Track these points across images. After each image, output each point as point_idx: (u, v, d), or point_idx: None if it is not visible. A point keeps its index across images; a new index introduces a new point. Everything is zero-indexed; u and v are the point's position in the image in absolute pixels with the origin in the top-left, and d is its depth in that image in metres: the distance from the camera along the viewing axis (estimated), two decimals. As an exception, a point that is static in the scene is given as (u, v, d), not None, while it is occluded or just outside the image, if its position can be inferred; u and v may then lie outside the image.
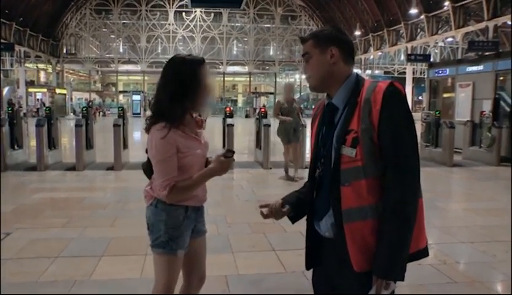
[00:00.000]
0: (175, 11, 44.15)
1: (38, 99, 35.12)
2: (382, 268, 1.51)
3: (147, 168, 2.25)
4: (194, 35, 44.68)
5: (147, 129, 2.11)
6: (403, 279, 1.54)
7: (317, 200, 1.71)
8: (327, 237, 1.69)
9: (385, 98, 1.51)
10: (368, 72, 42.64)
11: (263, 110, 10.78)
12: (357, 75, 1.68)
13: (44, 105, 30.00)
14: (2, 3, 29.40)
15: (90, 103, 37.16)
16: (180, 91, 2.05)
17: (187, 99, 2.07)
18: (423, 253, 1.67)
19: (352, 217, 1.54)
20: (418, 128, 13.48)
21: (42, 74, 44.73)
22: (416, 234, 1.58)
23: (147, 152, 2.19)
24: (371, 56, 41.74)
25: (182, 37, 45.08)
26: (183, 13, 44.56)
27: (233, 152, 2.14)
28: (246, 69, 46.45)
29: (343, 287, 1.66)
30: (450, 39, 32.86)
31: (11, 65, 36.57)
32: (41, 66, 43.08)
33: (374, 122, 1.51)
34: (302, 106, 9.49)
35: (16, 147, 9.88)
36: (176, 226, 2.16)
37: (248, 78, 47.57)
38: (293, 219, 1.90)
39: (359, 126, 1.52)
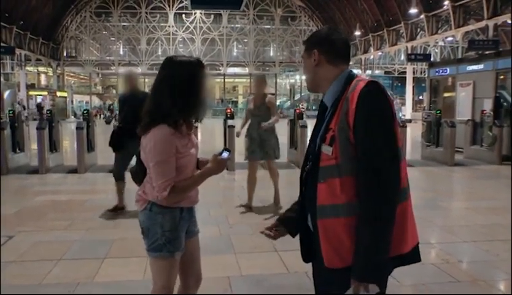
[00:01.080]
0: (175, 13, 44.19)
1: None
2: (358, 271, 1.50)
3: (137, 173, 2.24)
4: (194, 37, 44.72)
5: (144, 132, 2.10)
6: (379, 281, 1.50)
7: (304, 197, 1.74)
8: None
9: (360, 97, 1.52)
10: (368, 72, 42.64)
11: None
12: (350, 72, 1.69)
13: (40, 109, 29.90)
14: (2, 7, 29.44)
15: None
16: (180, 93, 2.06)
17: (186, 102, 2.07)
18: (409, 258, 1.65)
19: (324, 214, 1.56)
20: (419, 127, 13.48)
21: (43, 77, 44.78)
22: (397, 239, 1.56)
23: (138, 155, 2.18)
24: (371, 56, 41.75)
25: (182, 39, 45.11)
26: (183, 15, 44.59)
27: (229, 151, 2.15)
28: (246, 70, 46.46)
29: (324, 282, 1.68)
30: (450, 38, 32.84)
31: (12, 68, 36.63)
32: (41, 69, 43.14)
33: (349, 121, 1.52)
34: (300, 105, 8.83)
35: (17, 150, 9.90)
36: (172, 228, 2.15)
37: (248, 80, 47.60)
38: (293, 234, 1.91)
39: (336, 125, 1.55)
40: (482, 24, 26.68)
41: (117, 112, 10.49)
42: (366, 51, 41.75)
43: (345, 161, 1.52)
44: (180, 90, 2.05)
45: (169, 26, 44.34)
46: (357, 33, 39.72)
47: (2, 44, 29.08)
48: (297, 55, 46.21)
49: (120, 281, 3.65)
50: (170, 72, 2.09)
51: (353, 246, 1.52)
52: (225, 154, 2.11)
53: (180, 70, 2.08)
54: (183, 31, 44.70)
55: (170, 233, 2.15)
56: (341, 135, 1.53)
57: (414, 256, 1.67)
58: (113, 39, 45.37)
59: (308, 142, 1.80)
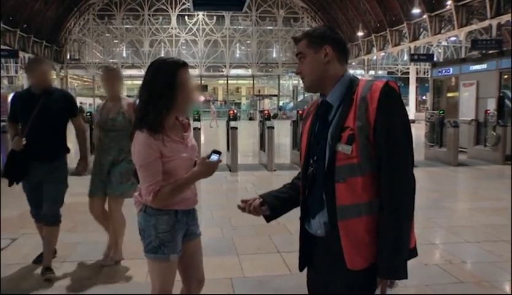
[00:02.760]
0: (178, 15, 44.29)
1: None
2: (386, 268, 1.53)
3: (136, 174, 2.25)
4: (197, 38, 44.79)
5: (131, 136, 2.11)
6: (406, 277, 1.55)
7: (310, 198, 1.69)
8: (319, 235, 1.69)
9: (382, 97, 1.52)
10: (371, 72, 42.58)
11: (266, 112, 10.84)
12: (351, 74, 1.69)
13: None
14: (7, 10, 29.59)
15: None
16: (155, 95, 2.03)
17: (164, 103, 2.04)
18: (413, 253, 1.68)
19: (346, 214, 1.54)
20: (423, 127, 13.45)
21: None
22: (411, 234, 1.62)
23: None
24: (374, 57, 41.70)
25: (184, 41, 45.21)
26: (186, 17, 44.68)
27: (219, 153, 2.09)
28: (249, 71, 46.50)
29: (336, 287, 1.65)
30: (453, 38, 32.77)
31: (16, 71, 36.80)
32: (45, 71, 43.31)
33: (370, 120, 1.52)
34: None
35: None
36: (166, 231, 2.14)
37: (251, 81, 47.62)
38: (268, 218, 1.88)
39: (355, 124, 1.53)
40: (485, 23, 26.60)
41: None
42: (368, 52, 41.72)
43: (365, 159, 1.52)
44: (159, 92, 2.03)
45: (172, 28, 44.45)
46: (360, 34, 39.69)
47: (6, 47, 29.22)
48: (300, 56, 46.09)
49: (123, 283, 3.66)
50: (149, 77, 2.08)
51: (374, 244, 1.54)
52: (214, 157, 2.06)
53: (158, 73, 2.06)
54: (186, 33, 44.79)
55: (165, 235, 2.14)
56: (360, 134, 1.52)
57: (415, 251, 1.70)
58: (116, 41, 45.51)
59: (304, 143, 1.75)
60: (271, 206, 1.84)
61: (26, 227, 5.35)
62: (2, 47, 28.64)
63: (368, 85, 1.57)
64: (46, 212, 3.79)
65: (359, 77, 1.72)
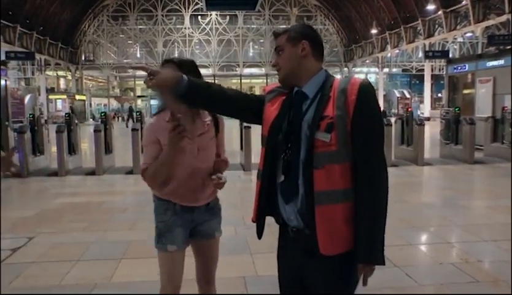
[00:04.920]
0: (191, 15, 44.45)
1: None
2: (367, 254, 1.59)
3: None
4: (210, 38, 44.91)
5: None
6: (384, 263, 1.62)
7: (284, 184, 1.69)
8: (291, 222, 1.70)
9: (361, 90, 1.60)
10: (386, 70, 42.21)
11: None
12: (327, 72, 1.76)
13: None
14: (23, 13, 30.04)
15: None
16: None
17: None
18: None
19: (323, 200, 1.58)
20: (438, 125, 13.28)
21: (62, 81, 45.52)
22: None
23: None
24: (388, 54, 41.30)
25: (198, 41, 45.35)
26: (199, 17, 44.81)
27: (177, 119, 1.95)
28: (263, 70, 46.47)
29: (308, 276, 1.70)
30: (469, 34, 32.28)
31: (33, 73, 37.34)
32: (60, 73, 43.86)
33: (349, 110, 1.59)
34: None
35: (37, 153, 10.08)
36: (163, 220, 2.23)
37: (265, 80, 47.59)
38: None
39: (334, 113, 1.59)
40: (503, 18, 26.12)
41: (135, 113, 10.55)
42: (383, 49, 41.33)
43: (343, 148, 1.59)
44: None
45: (185, 28, 44.63)
46: (374, 31, 39.34)
47: (23, 50, 29.67)
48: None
49: (136, 282, 3.68)
50: None
51: (351, 231, 1.60)
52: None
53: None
54: (199, 33, 44.94)
55: (161, 225, 2.24)
56: (339, 123, 1.58)
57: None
58: (130, 42, 45.85)
59: (266, 130, 1.73)
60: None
61: (43, 226, 5.44)
62: (20, 49, 29.08)
63: (346, 79, 1.67)
64: None
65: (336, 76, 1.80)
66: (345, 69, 45.03)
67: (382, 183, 1.63)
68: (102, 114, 10.78)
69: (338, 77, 1.79)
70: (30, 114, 10.77)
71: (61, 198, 7.17)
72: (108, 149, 10.11)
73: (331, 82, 1.68)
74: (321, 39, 1.79)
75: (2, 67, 13.58)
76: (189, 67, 2.14)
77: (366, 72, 46.14)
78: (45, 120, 13.02)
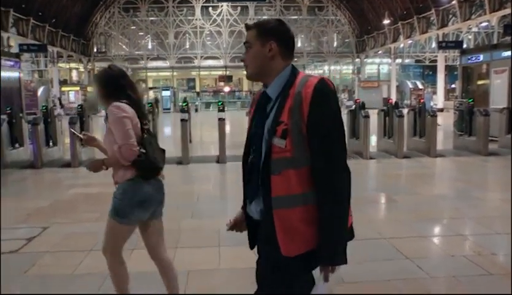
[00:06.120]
0: (202, 6, 44.32)
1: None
2: (329, 256, 1.60)
3: None
4: (221, 29, 44.78)
5: None
6: (346, 262, 1.62)
7: (248, 185, 1.78)
8: (256, 220, 1.76)
9: (315, 93, 1.57)
10: (398, 61, 41.75)
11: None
12: (292, 67, 1.73)
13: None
14: (35, 6, 30.24)
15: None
16: None
17: None
18: (350, 235, 1.74)
19: (280, 205, 1.60)
20: (451, 116, 13.12)
21: (74, 73, 45.83)
22: None
23: None
24: (401, 45, 40.82)
25: (209, 32, 45.26)
26: (210, 8, 44.66)
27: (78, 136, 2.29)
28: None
29: (270, 270, 1.71)
30: (484, 24, 31.73)
31: (46, 65, 37.64)
32: (73, 65, 44.15)
33: (303, 115, 1.57)
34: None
35: (51, 144, 10.19)
36: None
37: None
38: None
39: (289, 119, 1.58)
40: (519, 7, 25.60)
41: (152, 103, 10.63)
42: (395, 40, 40.84)
43: (299, 153, 1.58)
44: None
45: (196, 20, 44.54)
46: (386, 21, 38.86)
47: (36, 42, 29.90)
48: (325, 46, 45.70)
49: (148, 271, 3.71)
50: None
51: (312, 232, 1.60)
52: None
53: None
54: (210, 24, 44.83)
55: None
56: (294, 128, 1.57)
57: (352, 232, 1.77)
58: (141, 33, 45.93)
59: (248, 130, 1.80)
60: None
61: (57, 217, 5.52)
62: (33, 42, 29.33)
63: (303, 80, 1.63)
64: None
65: (299, 70, 1.74)
66: (357, 59, 44.63)
67: (340, 186, 1.59)
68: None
69: (307, 72, 1.81)
70: (43, 106, 10.87)
71: (75, 189, 7.25)
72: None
73: (292, 82, 1.65)
74: (292, 35, 1.76)
75: (15, 59, 13.73)
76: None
77: (378, 63, 45.70)
78: (60, 110, 13.09)
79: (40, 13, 31.70)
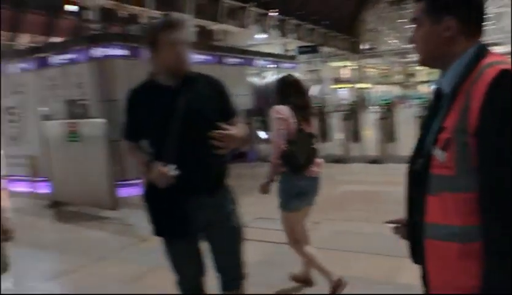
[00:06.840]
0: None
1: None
2: None
3: None
4: None
5: None
6: None
7: (412, 199, 1.40)
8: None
9: (489, 93, 1.11)
10: None
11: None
12: (480, 47, 1.23)
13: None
14: (311, 8, 33.23)
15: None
16: None
17: None
18: None
19: (435, 235, 1.23)
20: None
21: (344, 71, 48.12)
22: None
23: None
24: None
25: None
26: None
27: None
28: None
29: None
30: None
31: (319, 65, 40.75)
32: (342, 63, 46.45)
33: (470, 122, 1.13)
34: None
35: (325, 139, 10.78)
36: None
37: None
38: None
39: (455, 125, 1.17)
40: None
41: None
42: None
43: (462, 173, 1.17)
44: None
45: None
46: None
47: (309, 44, 32.88)
48: None
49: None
50: None
51: (468, 279, 1.18)
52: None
53: None
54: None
55: None
56: (458, 139, 1.16)
57: None
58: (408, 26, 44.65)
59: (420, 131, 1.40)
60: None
61: (327, 213, 5.64)
62: (304, 43, 32.53)
63: (480, 72, 1.16)
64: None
65: (490, 51, 1.22)
66: None
67: (507, 229, 1.08)
68: (387, 101, 10.73)
69: (491, 52, 1.23)
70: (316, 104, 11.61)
71: (344, 186, 7.37)
72: (391, 137, 10.04)
73: (471, 71, 1.18)
74: (481, 3, 1.26)
75: (292, 61, 15.13)
76: None
77: None
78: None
79: (313, 18, 34.74)
